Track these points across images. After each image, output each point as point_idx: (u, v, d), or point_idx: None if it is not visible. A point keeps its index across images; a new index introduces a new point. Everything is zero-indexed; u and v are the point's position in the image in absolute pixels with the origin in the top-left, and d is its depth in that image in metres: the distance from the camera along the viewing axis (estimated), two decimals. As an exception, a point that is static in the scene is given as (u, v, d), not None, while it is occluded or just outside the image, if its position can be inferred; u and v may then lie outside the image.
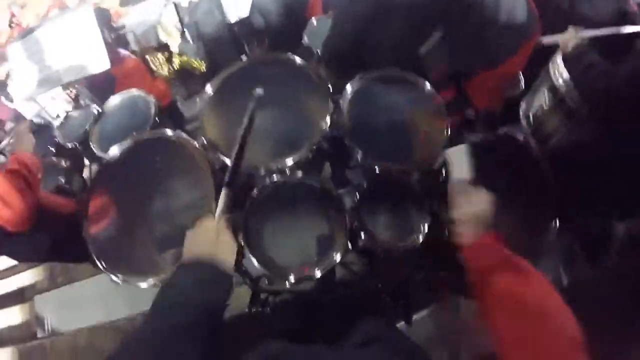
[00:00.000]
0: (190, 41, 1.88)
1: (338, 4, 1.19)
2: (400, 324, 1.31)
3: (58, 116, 2.24)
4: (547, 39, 1.49)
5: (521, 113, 1.85)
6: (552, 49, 1.68)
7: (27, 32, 1.80)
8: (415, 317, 1.39)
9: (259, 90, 0.88)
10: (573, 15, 1.64)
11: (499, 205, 1.31)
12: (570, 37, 1.40)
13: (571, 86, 1.53)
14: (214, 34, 1.80)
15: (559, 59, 1.62)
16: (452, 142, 1.18)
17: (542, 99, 1.70)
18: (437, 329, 1.48)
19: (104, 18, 1.95)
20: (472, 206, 0.80)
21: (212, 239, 0.72)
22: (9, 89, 2.51)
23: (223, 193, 0.81)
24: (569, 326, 0.59)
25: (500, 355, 0.58)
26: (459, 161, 0.89)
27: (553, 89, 1.64)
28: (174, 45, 2.00)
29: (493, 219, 0.78)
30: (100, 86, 1.83)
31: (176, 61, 1.92)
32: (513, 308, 0.62)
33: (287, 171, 1.07)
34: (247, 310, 1.16)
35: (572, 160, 1.42)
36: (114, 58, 1.78)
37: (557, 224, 1.23)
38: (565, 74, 1.56)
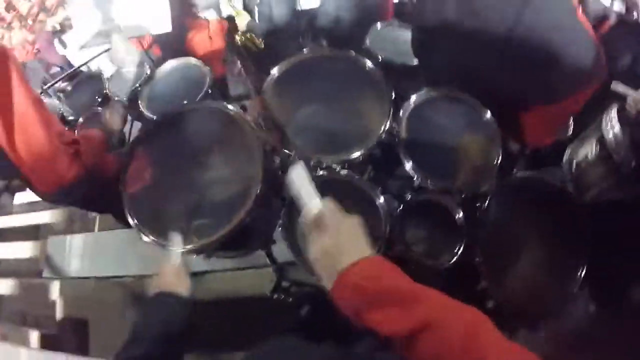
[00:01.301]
0: (257, 20, 1.90)
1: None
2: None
3: (100, 70, 2.29)
4: (619, 87, 1.47)
5: (565, 158, 1.83)
6: (608, 101, 1.67)
7: (98, -20, 1.84)
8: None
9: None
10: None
11: (530, 244, 1.32)
12: None
13: (621, 143, 1.52)
14: (284, 17, 1.82)
15: (613, 112, 1.60)
16: (499, 173, 1.19)
17: (589, 148, 1.68)
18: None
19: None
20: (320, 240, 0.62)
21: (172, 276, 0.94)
22: (64, 36, 2.57)
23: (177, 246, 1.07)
24: (457, 328, 0.51)
25: None
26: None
27: (602, 141, 1.62)
28: (242, 23, 2.03)
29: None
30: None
31: (239, 38, 1.95)
32: (393, 340, 0.53)
33: (337, 168, 1.08)
34: (268, 294, 1.17)
35: (608, 215, 1.41)
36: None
37: (583, 275, 1.22)
38: (618, 128, 1.55)
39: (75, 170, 1.29)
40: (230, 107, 1.16)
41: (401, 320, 0.52)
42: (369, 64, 1.14)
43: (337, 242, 0.59)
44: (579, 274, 1.24)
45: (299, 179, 0.64)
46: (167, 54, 2.13)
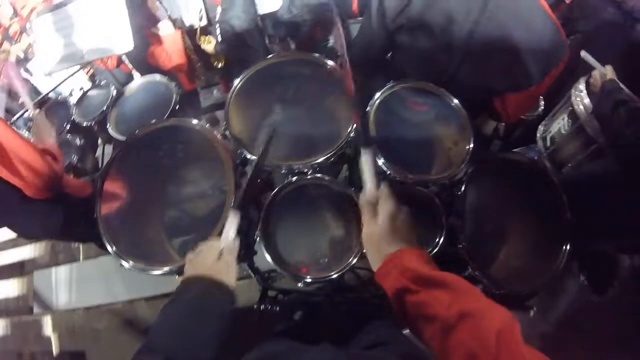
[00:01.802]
0: (220, 37, 1.88)
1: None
2: (407, 332, 1.32)
3: (71, 94, 2.26)
4: (588, 57, 1.50)
5: (538, 135, 1.86)
6: (573, 75, 1.70)
7: (57, 6, 1.79)
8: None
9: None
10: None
11: (510, 225, 1.33)
12: (609, 72, 1.41)
13: (592, 115, 1.54)
14: (246, 26, 1.80)
15: (581, 86, 1.63)
16: (472, 158, 1.19)
17: (562, 123, 1.71)
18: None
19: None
20: (374, 223, 0.70)
21: (212, 261, 0.73)
22: (28, 65, 2.51)
23: (232, 216, 0.80)
24: (493, 323, 0.54)
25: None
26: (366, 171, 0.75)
27: (573, 115, 1.65)
28: (211, 47, 2.05)
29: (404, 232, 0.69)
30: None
31: (213, 61, 1.97)
32: (432, 322, 0.58)
33: (309, 172, 1.07)
34: (255, 307, 1.16)
35: (585, 188, 1.42)
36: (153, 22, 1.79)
37: (568, 250, 1.23)
38: (587, 101, 1.57)
39: (59, 166, 1.40)
40: (195, 122, 1.14)
41: (448, 305, 0.56)
42: (331, 64, 1.14)
43: (385, 230, 0.67)
44: (563, 249, 1.24)
45: (364, 163, 0.74)
46: (140, 70, 2.11)
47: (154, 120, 1.25)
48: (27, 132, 2.07)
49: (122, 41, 1.72)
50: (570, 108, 1.63)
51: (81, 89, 2.15)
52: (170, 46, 1.98)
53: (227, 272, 0.73)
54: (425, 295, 0.59)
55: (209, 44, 2.10)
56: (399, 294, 0.63)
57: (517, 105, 1.32)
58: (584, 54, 1.49)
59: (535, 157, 1.77)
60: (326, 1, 1.77)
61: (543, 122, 1.82)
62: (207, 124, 1.18)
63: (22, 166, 1.25)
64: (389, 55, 1.31)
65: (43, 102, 2.29)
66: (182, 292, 0.70)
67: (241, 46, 1.91)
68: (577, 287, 1.69)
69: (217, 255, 0.74)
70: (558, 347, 1.43)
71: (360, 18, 1.68)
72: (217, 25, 1.97)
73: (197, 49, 2.19)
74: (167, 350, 0.61)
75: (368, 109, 1.12)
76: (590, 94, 1.54)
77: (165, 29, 2.04)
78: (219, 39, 1.99)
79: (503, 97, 1.28)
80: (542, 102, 1.83)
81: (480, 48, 1.08)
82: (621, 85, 1.39)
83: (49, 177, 1.31)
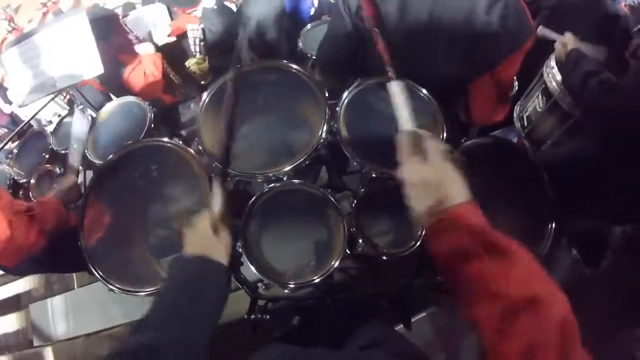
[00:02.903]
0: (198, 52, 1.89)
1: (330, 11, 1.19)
2: (399, 327, 1.32)
3: (50, 122, 2.24)
4: (545, 32, 1.49)
5: (515, 115, 1.86)
6: (546, 53, 1.70)
7: (22, 38, 1.78)
8: (413, 319, 1.40)
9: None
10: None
11: (494, 209, 1.33)
12: (569, 41, 1.41)
13: (565, 89, 1.55)
14: (229, 36, 1.81)
15: (552, 62, 1.63)
16: (450, 145, 1.19)
17: (536, 101, 1.71)
18: (436, 332, 1.49)
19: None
20: (424, 164, 0.59)
21: (209, 236, 0.72)
22: (8, 93, 2.50)
23: (215, 185, 0.77)
24: (560, 311, 0.47)
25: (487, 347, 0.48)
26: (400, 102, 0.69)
27: (546, 92, 1.65)
28: (204, 66, 2.06)
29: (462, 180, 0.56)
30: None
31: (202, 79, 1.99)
32: (493, 299, 0.49)
33: (285, 178, 1.07)
34: (245, 317, 1.16)
35: (566, 165, 1.43)
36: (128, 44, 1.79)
37: (554, 228, 1.23)
38: (559, 77, 1.58)
39: (34, 235, 1.31)
40: (166, 139, 1.14)
41: (518, 284, 0.48)
42: (295, 67, 1.13)
43: (441, 177, 0.56)
44: (549, 228, 1.24)
45: (396, 95, 0.69)
46: (115, 92, 2.11)
47: (125, 143, 1.25)
48: (7, 166, 2.05)
49: (91, 66, 1.71)
50: (544, 85, 1.64)
51: (58, 115, 2.14)
52: (149, 67, 1.97)
53: (224, 250, 0.72)
54: (490, 265, 0.49)
55: (202, 63, 2.10)
56: (456, 257, 0.52)
57: (486, 101, 1.32)
58: (541, 30, 1.49)
59: (514, 139, 1.78)
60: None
61: (519, 103, 1.82)
62: (180, 140, 1.18)
63: None
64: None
65: (23, 132, 2.27)
66: (178, 273, 0.70)
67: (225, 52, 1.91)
68: (570, 262, 1.70)
69: (213, 228, 0.72)
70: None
71: (324, 18, 1.68)
72: (201, 43, 1.97)
73: (175, 66, 2.19)
74: (159, 331, 0.60)
75: (337, 109, 1.12)
76: (561, 68, 1.54)
77: (146, 49, 2.04)
78: (199, 53, 1.99)
79: (471, 91, 1.28)
80: (516, 83, 1.83)
81: (444, 29, 1.07)
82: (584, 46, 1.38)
83: (9, 244, 1.24)
